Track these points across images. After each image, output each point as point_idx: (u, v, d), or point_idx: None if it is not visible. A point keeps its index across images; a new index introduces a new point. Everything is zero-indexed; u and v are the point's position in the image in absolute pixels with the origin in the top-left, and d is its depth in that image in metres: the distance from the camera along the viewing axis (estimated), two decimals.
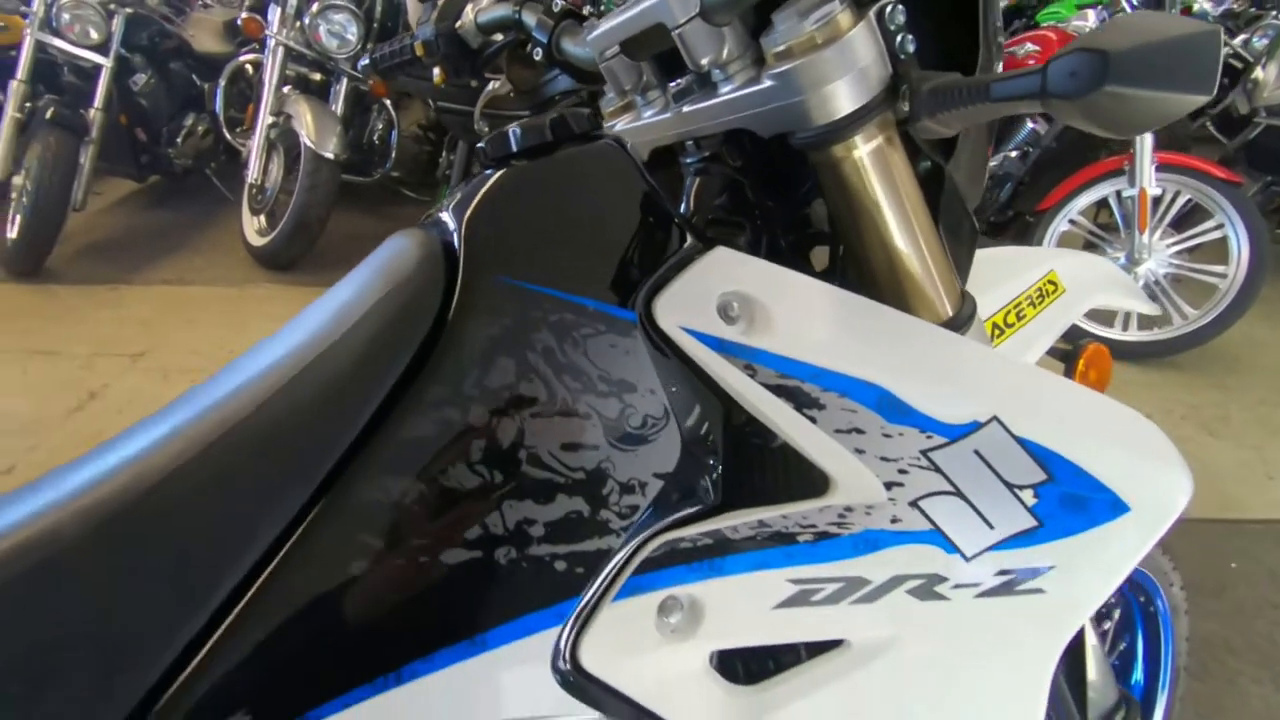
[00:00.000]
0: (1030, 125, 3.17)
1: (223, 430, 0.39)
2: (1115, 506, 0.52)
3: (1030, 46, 3.13)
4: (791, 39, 0.46)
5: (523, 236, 0.45)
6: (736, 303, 0.47)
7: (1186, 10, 3.17)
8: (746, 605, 0.46)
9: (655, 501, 0.45)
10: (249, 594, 0.37)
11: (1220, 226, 2.53)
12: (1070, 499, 0.50)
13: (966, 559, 0.49)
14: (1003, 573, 0.50)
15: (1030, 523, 0.50)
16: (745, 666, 0.50)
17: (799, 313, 0.48)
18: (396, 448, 0.40)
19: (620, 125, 0.64)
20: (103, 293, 3.10)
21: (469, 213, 0.45)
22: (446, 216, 0.47)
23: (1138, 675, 1.26)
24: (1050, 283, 0.87)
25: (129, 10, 3.42)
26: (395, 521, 0.39)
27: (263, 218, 3.33)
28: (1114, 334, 2.72)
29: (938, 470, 0.48)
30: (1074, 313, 0.86)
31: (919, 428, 0.48)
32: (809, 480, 0.49)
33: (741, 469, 0.48)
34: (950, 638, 0.50)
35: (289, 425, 0.40)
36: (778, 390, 0.46)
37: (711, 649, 0.47)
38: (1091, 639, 0.90)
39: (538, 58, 0.72)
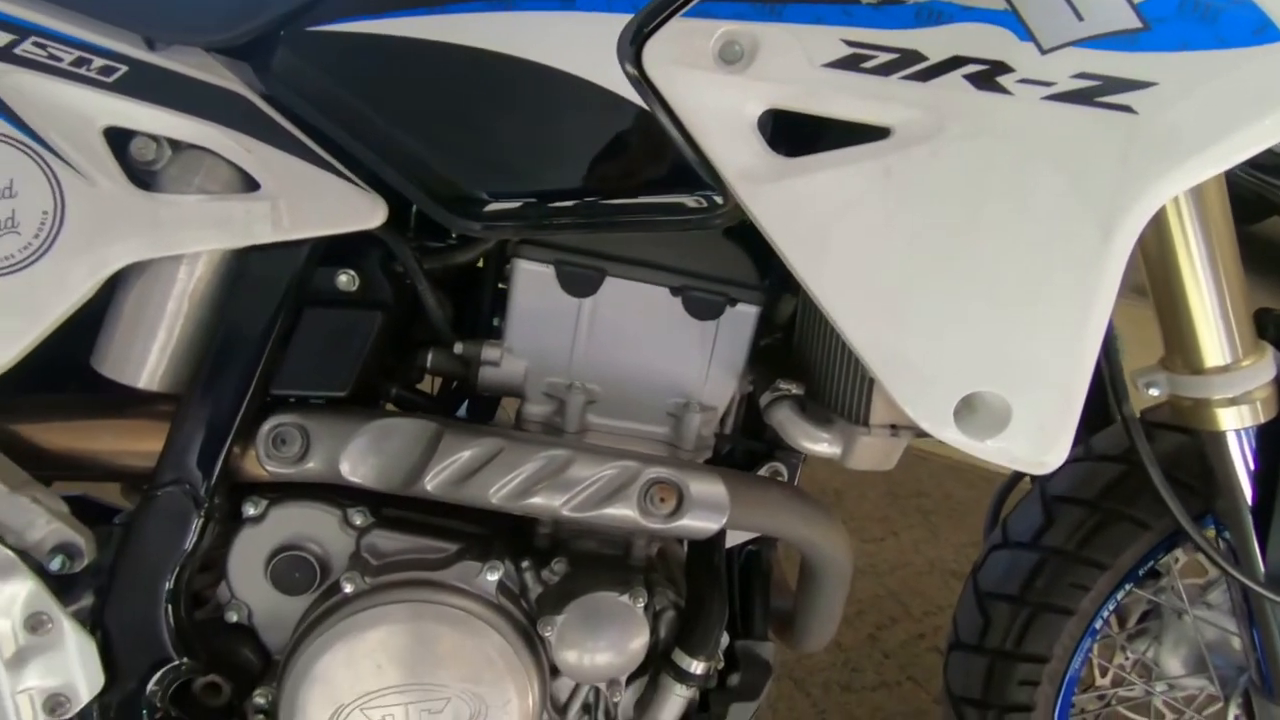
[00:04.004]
0: None
1: None
2: (1262, 31, 0.45)
3: None
4: None
5: None
6: None
7: None
8: (799, 56, 0.51)
9: None
10: None
11: None
12: (1194, 4, 0.45)
13: (1041, 50, 0.47)
14: (1084, 76, 0.47)
15: (1133, 22, 0.46)
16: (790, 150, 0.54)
17: None
18: None
19: None
20: None
21: None
22: None
23: None
24: None
25: None
26: None
27: None
28: None
29: None
30: None
31: None
32: None
33: None
34: (1004, 139, 0.48)
35: None
36: None
37: (760, 102, 0.52)
38: None
39: None
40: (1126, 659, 0.98)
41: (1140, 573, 0.85)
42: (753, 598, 0.76)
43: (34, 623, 0.51)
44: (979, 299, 0.51)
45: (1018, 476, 1.07)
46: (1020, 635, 0.85)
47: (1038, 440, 0.53)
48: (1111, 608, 0.85)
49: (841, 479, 2.02)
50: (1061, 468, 0.88)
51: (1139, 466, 0.82)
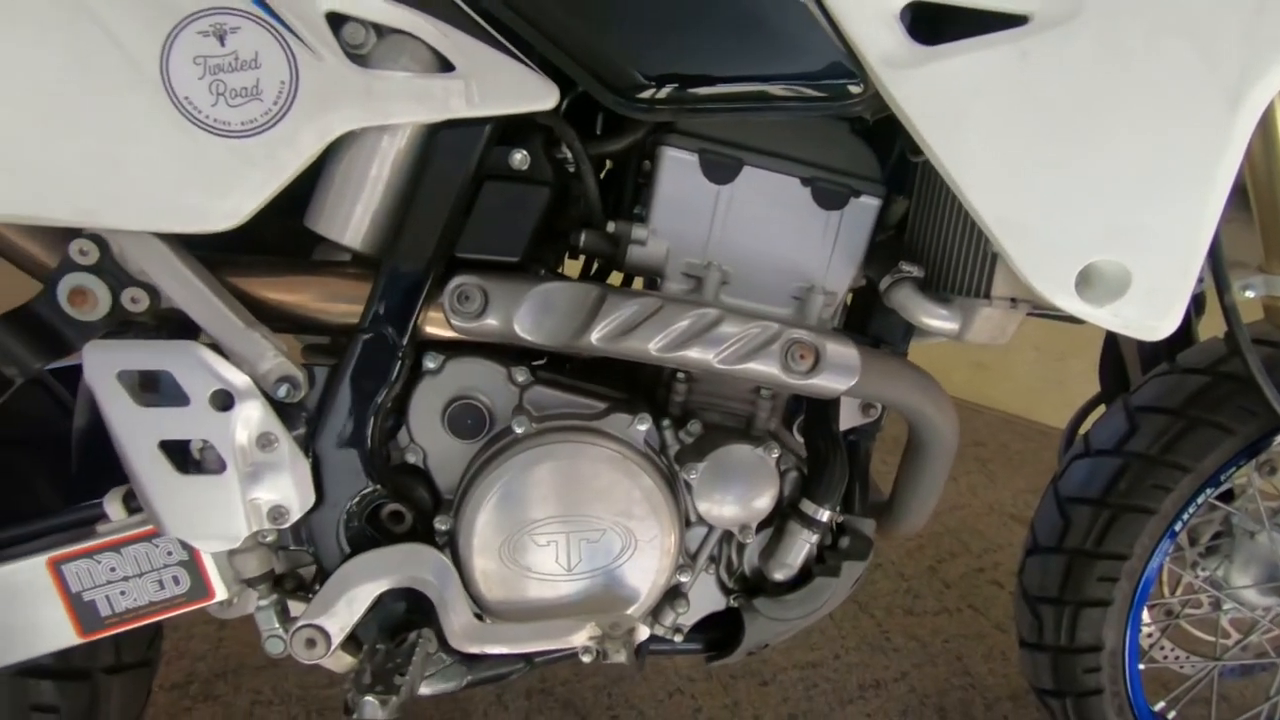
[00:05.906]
0: None
1: None
2: None
3: None
4: None
5: None
6: None
7: None
8: None
9: None
10: None
11: None
12: None
13: None
14: None
15: None
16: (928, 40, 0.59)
17: None
18: None
19: None
20: None
21: None
22: None
23: None
24: None
25: None
26: None
27: None
28: None
29: None
30: None
31: None
32: None
33: None
34: (1139, 15, 0.53)
35: None
36: None
37: None
38: None
39: None
40: (1197, 576, 1.02)
41: (1222, 479, 0.88)
42: (853, 482, 0.82)
43: (264, 441, 0.60)
44: (1106, 171, 0.56)
45: (1094, 402, 1.11)
46: (1101, 535, 0.90)
47: (1153, 306, 0.58)
48: (1192, 511, 0.89)
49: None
50: (1146, 382, 0.93)
51: (1224, 377, 0.86)
